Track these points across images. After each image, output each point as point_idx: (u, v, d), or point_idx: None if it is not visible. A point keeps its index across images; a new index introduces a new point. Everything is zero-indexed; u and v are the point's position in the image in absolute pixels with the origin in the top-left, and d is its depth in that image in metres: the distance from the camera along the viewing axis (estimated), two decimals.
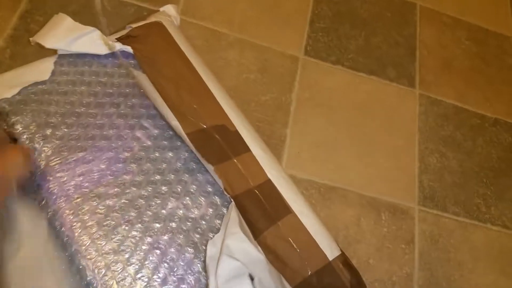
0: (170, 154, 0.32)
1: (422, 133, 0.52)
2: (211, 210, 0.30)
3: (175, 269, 0.28)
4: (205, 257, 0.28)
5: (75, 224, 0.28)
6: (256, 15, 0.53)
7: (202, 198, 0.30)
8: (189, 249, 0.29)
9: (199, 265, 0.28)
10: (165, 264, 0.28)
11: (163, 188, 0.30)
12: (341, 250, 0.31)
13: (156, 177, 0.30)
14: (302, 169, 0.46)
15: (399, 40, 0.58)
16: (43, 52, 0.46)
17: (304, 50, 0.53)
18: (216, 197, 0.31)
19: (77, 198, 0.28)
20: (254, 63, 0.50)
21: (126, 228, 0.28)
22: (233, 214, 0.30)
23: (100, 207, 0.28)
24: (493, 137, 0.54)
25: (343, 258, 0.31)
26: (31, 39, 0.36)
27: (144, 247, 0.28)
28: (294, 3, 0.57)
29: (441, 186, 0.49)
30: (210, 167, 0.31)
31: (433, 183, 0.49)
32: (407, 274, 0.43)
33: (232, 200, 0.30)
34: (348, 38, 0.56)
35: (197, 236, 0.29)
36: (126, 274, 0.27)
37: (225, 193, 0.31)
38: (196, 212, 0.30)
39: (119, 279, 0.27)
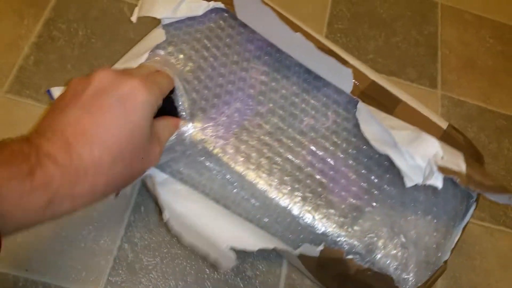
0: (285, 81, 0.36)
1: None
2: (336, 116, 0.35)
3: (332, 167, 0.33)
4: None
5: (240, 160, 0.32)
6: None
7: (325, 109, 0.35)
8: (330, 148, 0.34)
9: (349, 161, 0.33)
10: (321, 174, 0.32)
11: (292, 109, 0.34)
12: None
13: (282, 102, 0.35)
14: None
15: (419, 39, 0.57)
16: (66, 58, 0.47)
17: None
18: (335, 106, 0.35)
19: (231, 137, 0.32)
20: None
21: (281, 150, 0.33)
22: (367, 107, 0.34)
23: (252, 139, 0.33)
24: None
25: (451, 125, 0.37)
26: (132, 18, 0.37)
27: (304, 161, 0.33)
28: (312, 4, 0.57)
29: None
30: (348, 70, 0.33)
31: None
32: None
33: (359, 99, 0.35)
34: (367, 39, 0.55)
35: (335, 139, 0.34)
36: (305, 189, 0.32)
37: (351, 95, 0.35)
38: (326, 121, 0.35)
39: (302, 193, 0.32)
